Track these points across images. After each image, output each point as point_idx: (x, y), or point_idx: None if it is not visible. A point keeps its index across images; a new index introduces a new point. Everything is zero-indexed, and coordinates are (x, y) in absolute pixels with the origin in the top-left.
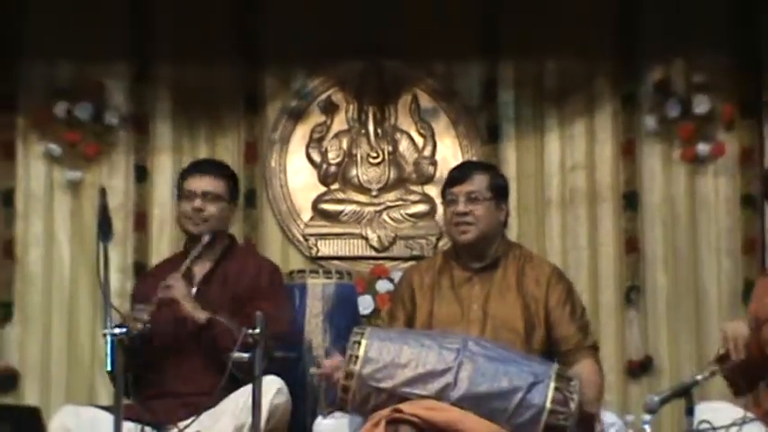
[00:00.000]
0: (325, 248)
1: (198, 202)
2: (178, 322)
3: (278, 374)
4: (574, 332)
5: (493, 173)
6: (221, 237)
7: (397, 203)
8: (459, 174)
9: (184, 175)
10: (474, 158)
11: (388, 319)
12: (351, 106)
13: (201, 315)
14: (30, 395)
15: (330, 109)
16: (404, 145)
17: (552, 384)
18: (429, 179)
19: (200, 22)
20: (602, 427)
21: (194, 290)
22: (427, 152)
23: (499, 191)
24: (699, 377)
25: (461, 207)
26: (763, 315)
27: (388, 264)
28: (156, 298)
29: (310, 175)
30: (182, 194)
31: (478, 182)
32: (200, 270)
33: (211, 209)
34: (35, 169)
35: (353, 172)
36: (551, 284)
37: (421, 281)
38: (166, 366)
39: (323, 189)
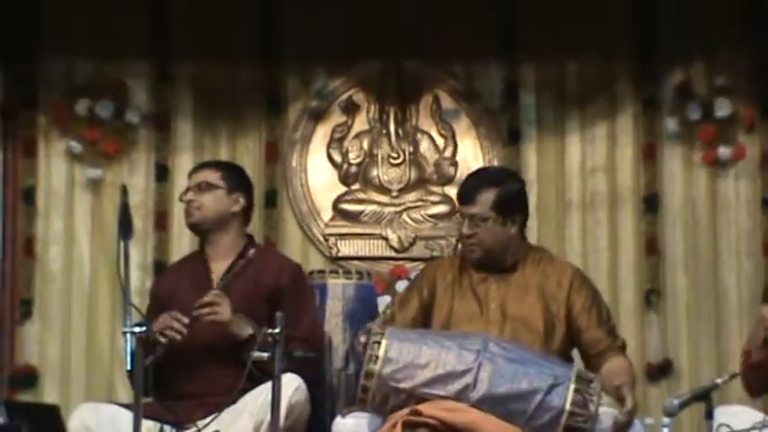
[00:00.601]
0: (346, 249)
1: (190, 194)
2: (202, 329)
3: (297, 373)
4: (603, 336)
5: (501, 187)
6: (236, 234)
7: (418, 204)
8: (463, 196)
9: None
10: (495, 160)
11: (398, 305)
12: (372, 107)
13: (245, 332)
14: (49, 393)
15: (351, 109)
16: (425, 146)
17: (572, 386)
18: (449, 180)
19: (221, 22)
20: (633, 407)
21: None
22: (448, 153)
23: (506, 206)
24: (719, 380)
25: (465, 230)
26: None
27: (408, 264)
28: (198, 313)
29: (331, 175)
30: None
31: (482, 203)
32: (219, 270)
33: (204, 198)
34: (56, 167)
35: (374, 172)
36: (575, 288)
37: (444, 276)
38: (185, 367)
39: (343, 189)
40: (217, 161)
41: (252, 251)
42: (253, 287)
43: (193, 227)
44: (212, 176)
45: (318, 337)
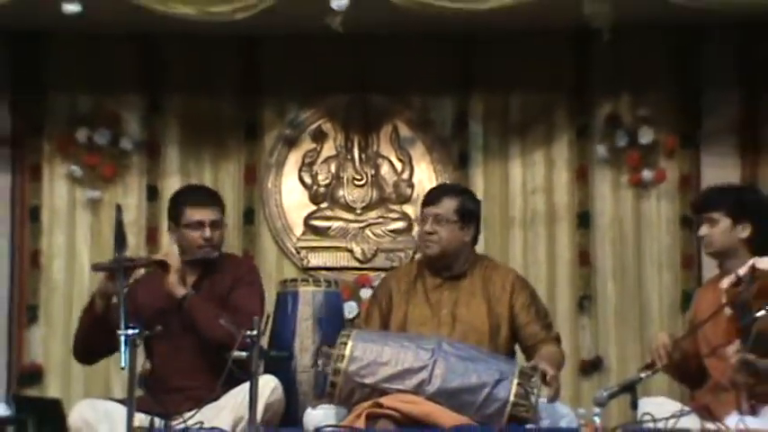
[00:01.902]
0: (315, 260)
1: (208, 232)
2: (185, 328)
3: (271, 372)
4: (539, 329)
5: (464, 198)
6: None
7: (379, 221)
8: (431, 196)
9: (185, 203)
10: (447, 181)
11: (364, 317)
12: (338, 135)
13: (181, 291)
14: (52, 389)
15: (320, 137)
16: (385, 169)
17: (515, 381)
18: (407, 199)
19: (205, 60)
20: (557, 386)
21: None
22: (405, 175)
23: (466, 215)
24: (642, 375)
25: (428, 227)
26: (696, 321)
27: (371, 274)
28: (148, 257)
29: (302, 195)
30: (183, 222)
31: (446, 206)
32: (189, 281)
33: (217, 235)
34: (59, 189)
35: (340, 192)
36: (516, 290)
37: (398, 286)
38: (169, 364)
39: (313, 207)
40: (218, 197)
41: (214, 262)
42: (219, 288)
43: (212, 259)
44: (221, 215)
45: (247, 316)
